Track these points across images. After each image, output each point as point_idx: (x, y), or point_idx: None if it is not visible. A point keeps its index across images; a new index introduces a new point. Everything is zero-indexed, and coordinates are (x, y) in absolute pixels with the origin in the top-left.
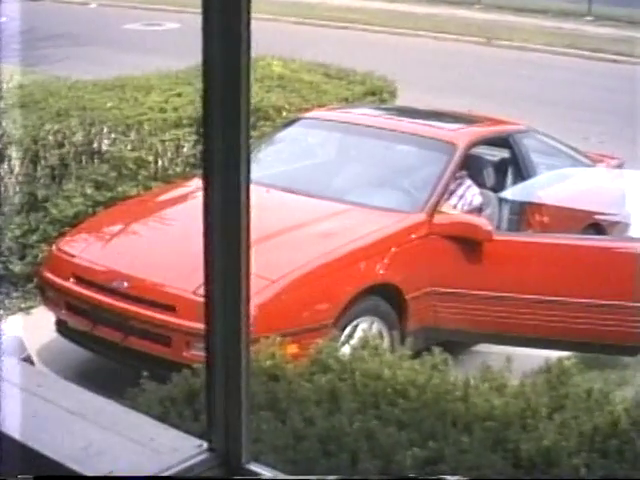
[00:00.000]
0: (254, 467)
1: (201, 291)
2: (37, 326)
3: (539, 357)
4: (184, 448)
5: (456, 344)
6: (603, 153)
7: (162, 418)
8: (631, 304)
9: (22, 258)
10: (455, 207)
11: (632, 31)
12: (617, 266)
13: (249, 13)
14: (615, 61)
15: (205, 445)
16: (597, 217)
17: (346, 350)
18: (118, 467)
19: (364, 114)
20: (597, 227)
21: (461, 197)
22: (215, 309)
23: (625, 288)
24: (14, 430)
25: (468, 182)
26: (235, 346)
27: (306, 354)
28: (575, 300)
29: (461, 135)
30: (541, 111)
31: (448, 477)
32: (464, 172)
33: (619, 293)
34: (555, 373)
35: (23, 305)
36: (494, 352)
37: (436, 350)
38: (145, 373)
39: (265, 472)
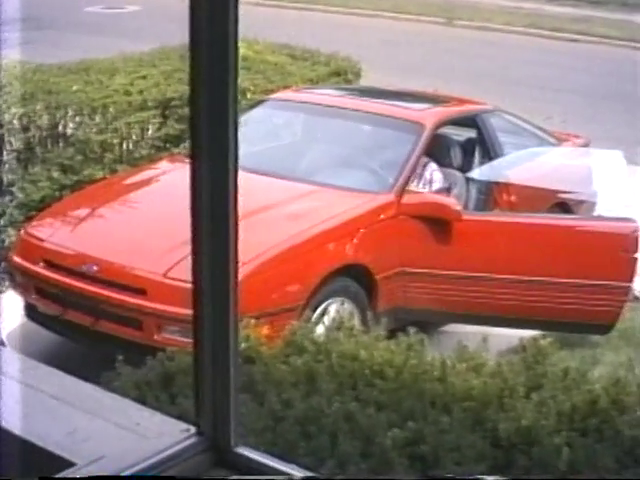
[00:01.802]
0: (243, 450)
1: (172, 274)
2: (5, 311)
3: (512, 336)
4: (171, 432)
5: (428, 324)
6: (569, 132)
7: (138, 402)
8: (601, 282)
9: None
10: (422, 189)
11: (592, 10)
12: (585, 245)
13: None
14: (575, 40)
15: (193, 429)
16: (564, 196)
17: (319, 331)
18: (105, 453)
19: (330, 95)
20: (564, 206)
21: (426, 179)
22: (203, 293)
23: (594, 267)
24: None
25: (432, 163)
26: (223, 330)
27: (278, 335)
28: (544, 279)
29: (428, 115)
30: (503, 91)
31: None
32: (427, 152)
33: (588, 272)
34: (531, 352)
35: None
36: (468, 332)
37: (411, 330)
38: (120, 357)
39: (254, 456)
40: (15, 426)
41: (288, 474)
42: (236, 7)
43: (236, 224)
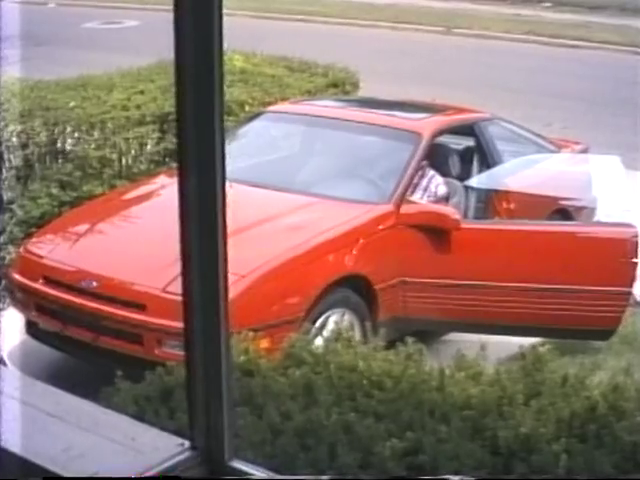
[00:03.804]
0: (237, 464)
1: (170, 288)
2: (6, 328)
3: (512, 344)
4: (166, 447)
5: (428, 333)
6: (567, 139)
7: (138, 417)
8: (601, 288)
9: None
10: (420, 198)
11: (591, 16)
12: (585, 251)
13: (220, 10)
14: (574, 46)
15: (187, 444)
16: (563, 202)
17: (319, 342)
18: (100, 468)
19: (328, 106)
20: (563, 212)
21: (425, 188)
22: (193, 306)
23: (594, 272)
24: None
25: (431, 172)
26: (215, 343)
27: (278, 348)
28: (544, 286)
29: (426, 124)
30: (503, 98)
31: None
32: (425, 162)
33: (589, 278)
34: (530, 360)
35: None
36: (467, 340)
37: (410, 340)
38: (119, 372)
39: (248, 469)
40: (10, 443)
41: None
42: (220, 21)
43: (225, 237)
